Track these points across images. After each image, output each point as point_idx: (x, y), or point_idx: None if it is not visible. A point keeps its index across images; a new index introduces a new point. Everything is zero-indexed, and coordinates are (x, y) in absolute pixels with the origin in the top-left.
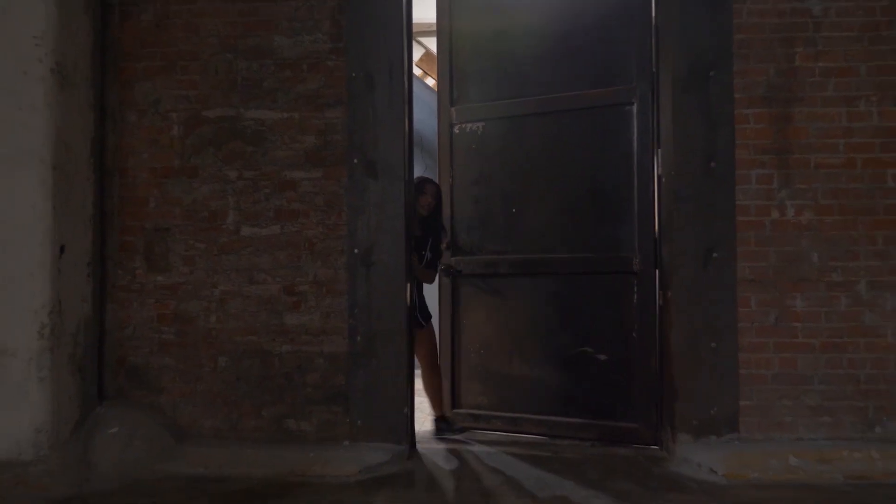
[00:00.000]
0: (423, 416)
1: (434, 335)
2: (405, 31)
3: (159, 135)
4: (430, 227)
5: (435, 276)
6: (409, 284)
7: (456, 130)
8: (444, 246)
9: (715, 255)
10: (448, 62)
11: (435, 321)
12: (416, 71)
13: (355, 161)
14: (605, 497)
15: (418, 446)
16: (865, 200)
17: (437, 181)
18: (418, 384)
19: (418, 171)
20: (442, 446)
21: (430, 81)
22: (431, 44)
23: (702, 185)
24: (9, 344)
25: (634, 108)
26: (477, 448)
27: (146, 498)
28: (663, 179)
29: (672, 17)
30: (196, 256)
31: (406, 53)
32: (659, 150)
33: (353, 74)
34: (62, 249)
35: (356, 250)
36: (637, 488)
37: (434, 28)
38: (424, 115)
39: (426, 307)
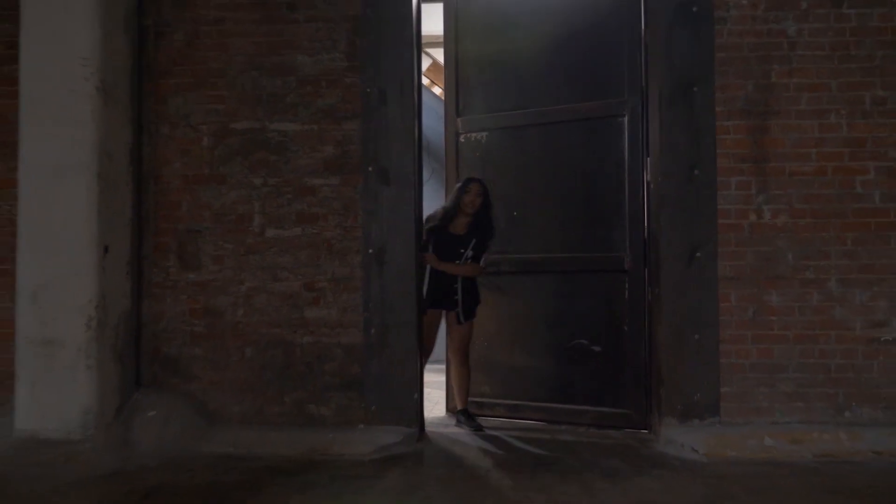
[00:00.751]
0: (431, 405)
1: (470, 333)
2: (415, 51)
3: (191, 145)
4: (477, 225)
5: (479, 269)
6: (418, 281)
7: (462, 139)
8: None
9: (698, 254)
10: (454, 76)
11: None
12: (424, 80)
13: (370, 169)
14: (596, 473)
15: (427, 430)
16: (835, 205)
17: (482, 181)
18: (428, 377)
19: (425, 175)
20: (448, 430)
21: (437, 90)
22: (438, 54)
23: (686, 191)
24: (59, 335)
25: (626, 119)
26: (481, 432)
27: (184, 472)
28: (652, 185)
29: (659, 36)
30: (224, 256)
31: (415, 71)
32: (648, 159)
33: (367, 90)
34: (106, 250)
35: (370, 250)
36: (625, 465)
37: (441, 40)
38: (432, 122)
39: (472, 305)
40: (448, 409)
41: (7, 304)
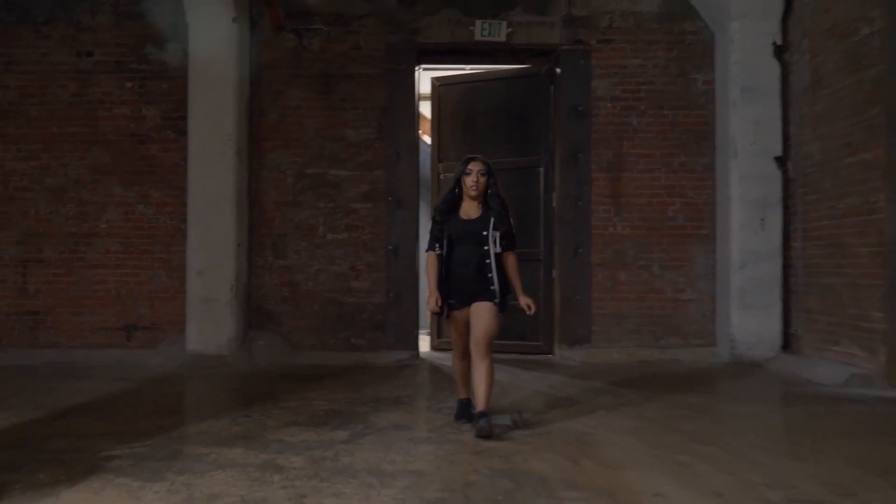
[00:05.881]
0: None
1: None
2: (417, 128)
3: (280, 183)
4: (490, 205)
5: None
6: (417, 267)
7: (441, 178)
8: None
9: (580, 250)
10: (437, 136)
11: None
12: None
13: (390, 199)
14: (518, 369)
15: (421, 354)
16: (658, 223)
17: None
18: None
19: None
20: (435, 355)
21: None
22: (425, 108)
23: (574, 214)
24: (214, 295)
25: (541, 170)
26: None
27: (292, 370)
28: (555, 210)
29: (560, 121)
30: (301, 250)
31: (417, 140)
32: (554, 194)
33: (388, 151)
34: (238, 245)
35: (390, 247)
36: (536, 367)
37: (428, 96)
38: None
39: (505, 295)
40: (432, 347)
41: (163, 279)
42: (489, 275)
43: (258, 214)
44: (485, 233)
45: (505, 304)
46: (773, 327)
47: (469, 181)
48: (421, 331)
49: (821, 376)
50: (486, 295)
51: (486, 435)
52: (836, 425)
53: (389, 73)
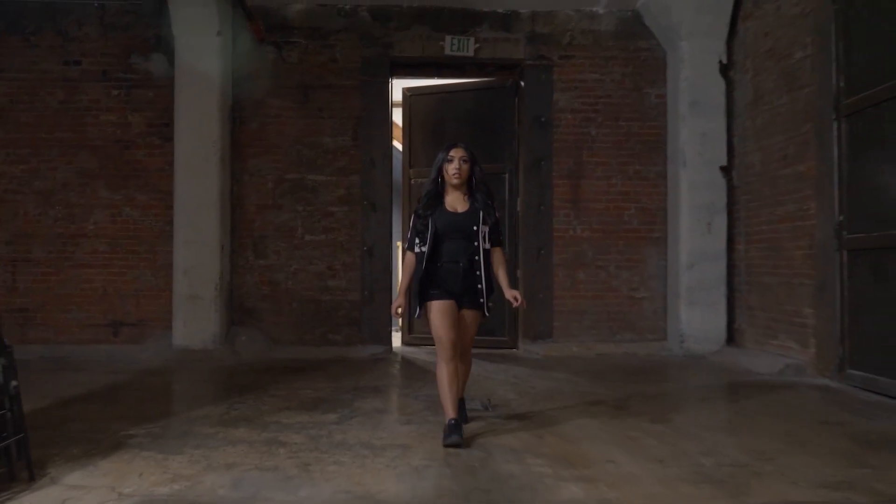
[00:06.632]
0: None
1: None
2: (390, 136)
3: (261, 188)
4: (476, 196)
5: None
6: (392, 266)
7: (412, 182)
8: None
9: (542, 251)
10: (408, 143)
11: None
12: None
13: (365, 202)
14: (486, 362)
15: (394, 348)
16: (614, 226)
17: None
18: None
19: None
20: (406, 349)
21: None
22: (396, 115)
23: (536, 217)
24: (200, 293)
25: (507, 176)
26: (425, 351)
27: (274, 363)
28: (519, 214)
29: (524, 131)
30: (280, 251)
31: (390, 148)
32: (518, 199)
33: (363, 158)
34: (222, 247)
35: (365, 248)
36: (502, 360)
37: (399, 104)
38: None
39: (489, 296)
40: (403, 342)
41: (149, 278)
42: (478, 272)
43: (240, 217)
44: (475, 228)
45: (489, 305)
46: (719, 323)
47: (451, 168)
48: (393, 327)
49: (759, 366)
50: (474, 297)
51: (464, 423)
52: (768, 408)
53: (364, 85)
